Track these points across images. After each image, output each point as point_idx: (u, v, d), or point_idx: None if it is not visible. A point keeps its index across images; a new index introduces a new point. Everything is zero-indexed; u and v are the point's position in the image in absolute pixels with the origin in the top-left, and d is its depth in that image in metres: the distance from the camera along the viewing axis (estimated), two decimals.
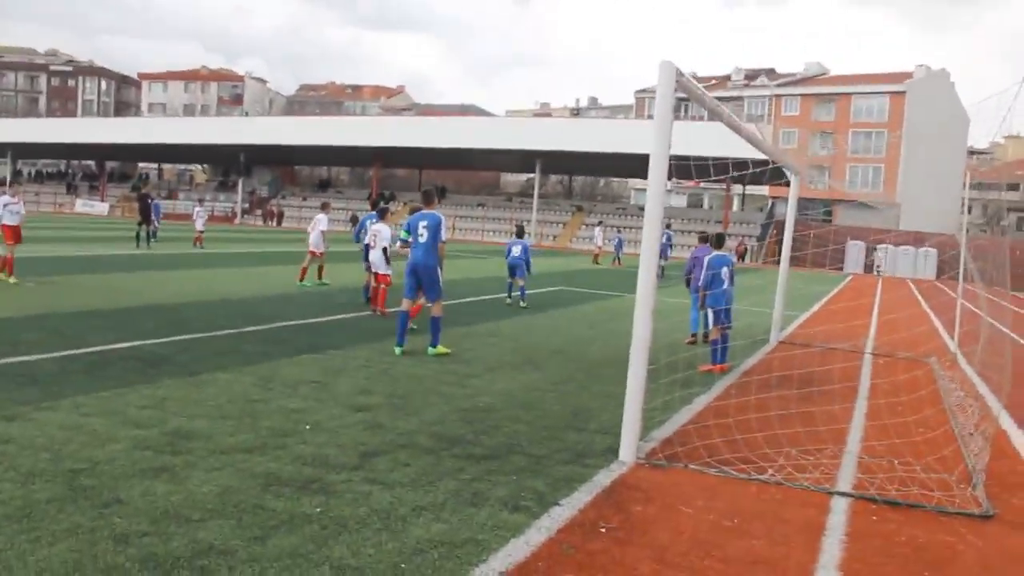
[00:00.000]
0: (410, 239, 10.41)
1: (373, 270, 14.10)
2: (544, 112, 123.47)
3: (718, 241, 11.70)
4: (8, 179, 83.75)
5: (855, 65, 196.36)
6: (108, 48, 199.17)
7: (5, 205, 15.30)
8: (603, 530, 4.83)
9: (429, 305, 10.55)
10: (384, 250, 13.75)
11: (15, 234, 15.38)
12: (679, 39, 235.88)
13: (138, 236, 27.79)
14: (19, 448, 5.43)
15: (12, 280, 14.67)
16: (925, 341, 15.00)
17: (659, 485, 5.80)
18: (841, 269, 51.69)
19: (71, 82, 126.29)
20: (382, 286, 13.82)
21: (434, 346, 10.31)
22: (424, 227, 10.25)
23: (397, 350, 10.18)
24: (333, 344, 10.53)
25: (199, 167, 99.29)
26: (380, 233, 13.94)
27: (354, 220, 17.23)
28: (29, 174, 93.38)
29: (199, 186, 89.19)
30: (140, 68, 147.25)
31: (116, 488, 4.83)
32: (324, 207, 18.98)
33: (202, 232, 31.28)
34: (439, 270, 10.39)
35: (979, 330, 12.64)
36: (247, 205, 76.93)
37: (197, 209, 32.12)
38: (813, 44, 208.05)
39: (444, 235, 10.37)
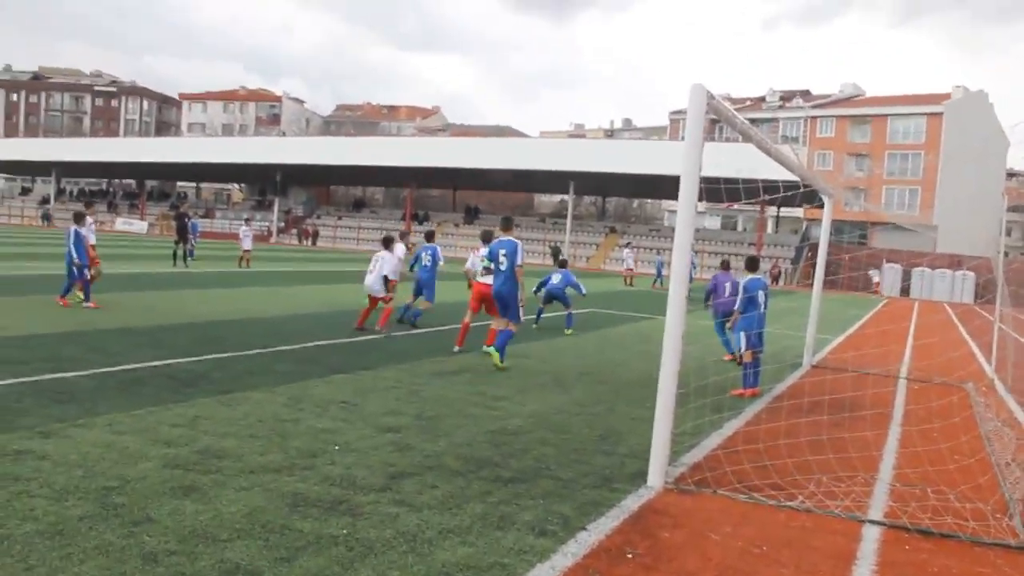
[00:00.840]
0: (491, 265, 11.22)
1: (369, 293, 14.01)
2: (578, 133, 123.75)
3: (752, 264, 11.59)
4: (52, 196, 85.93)
5: (892, 86, 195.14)
6: (152, 68, 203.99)
7: (88, 226, 15.65)
8: (630, 556, 4.80)
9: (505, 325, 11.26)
10: (384, 278, 13.80)
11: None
12: (715, 60, 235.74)
13: (175, 255, 28.23)
14: (54, 465, 5.53)
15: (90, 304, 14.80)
16: (961, 366, 14.76)
17: (687, 511, 5.75)
18: (876, 292, 51.07)
19: (114, 102, 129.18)
20: (381, 304, 13.96)
21: (497, 349, 11.00)
22: (504, 255, 11.01)
23: (487, 349, 11.35)
24: (363, 364, 10.59)
25: (236, 186, 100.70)
26: (384, 259, 13.92)
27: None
28: (71, 192, 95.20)
29: (236, 205, 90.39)
30: (183, 87, 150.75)
31: (146, 506, 4.89)
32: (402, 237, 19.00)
33: (248, 251, 30.55)
34: (519, 294, 11.07)
35: (1010, 352, 12.44)
36: (283, 224, 77.76)
37: (243, 229, 31.62)
38: (850, 65, 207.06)
39: (520, 259, 10.96)
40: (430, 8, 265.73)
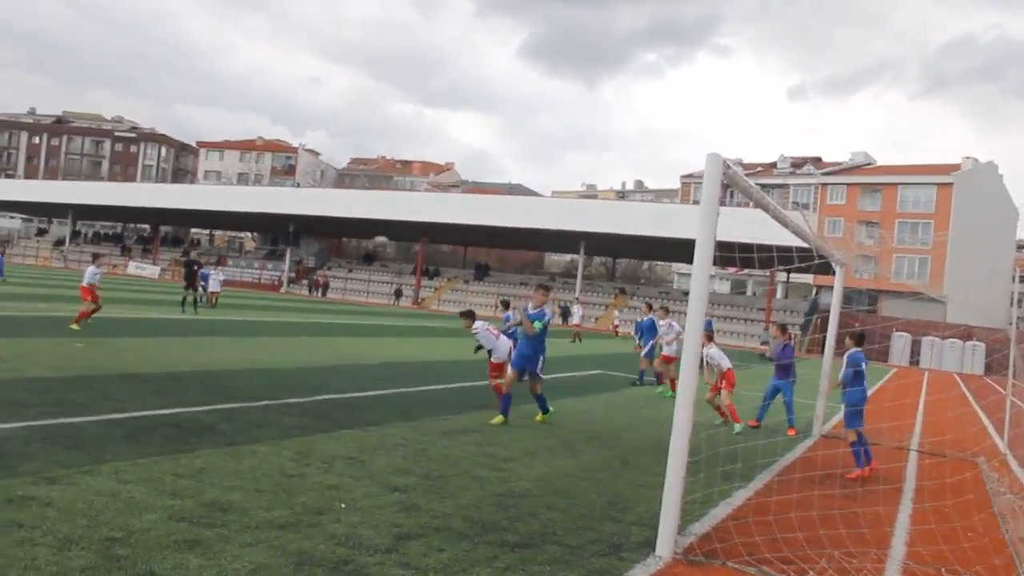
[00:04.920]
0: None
1: None
2: (590, 193, 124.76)
3: (860, 339, 11.65)
4: (68, 237, 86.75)
5: (907, 156, 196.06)
6: (181, 116, 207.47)
7: (94, 274, 18.96)
8: None
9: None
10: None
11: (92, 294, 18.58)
12: (727, 125, 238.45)
13: (183, 301, 28.26)
14: (58, 512, 5.48)
15: (75, 327, 17.50)
16: (974, 441, 14.58)
17: None
18: (885, 361, 50.79)
19: (133, 148, 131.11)
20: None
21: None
22: None
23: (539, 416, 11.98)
24: (371, 420, 10.53)
25: (249, 235, 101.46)
26: None
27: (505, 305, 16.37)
28: (86, 235, 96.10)
29: (248, 253, 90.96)
30: (209, 136, 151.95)
31: (149, 559, 4.83)
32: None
33: (217, 293, 34.63)
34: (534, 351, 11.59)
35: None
36: (293, 274, 78.12)
37: (212, 273, 35.26)
38: (866, 133, 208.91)
39: (514, 317, 11.99)
40: (461, 69, 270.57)
